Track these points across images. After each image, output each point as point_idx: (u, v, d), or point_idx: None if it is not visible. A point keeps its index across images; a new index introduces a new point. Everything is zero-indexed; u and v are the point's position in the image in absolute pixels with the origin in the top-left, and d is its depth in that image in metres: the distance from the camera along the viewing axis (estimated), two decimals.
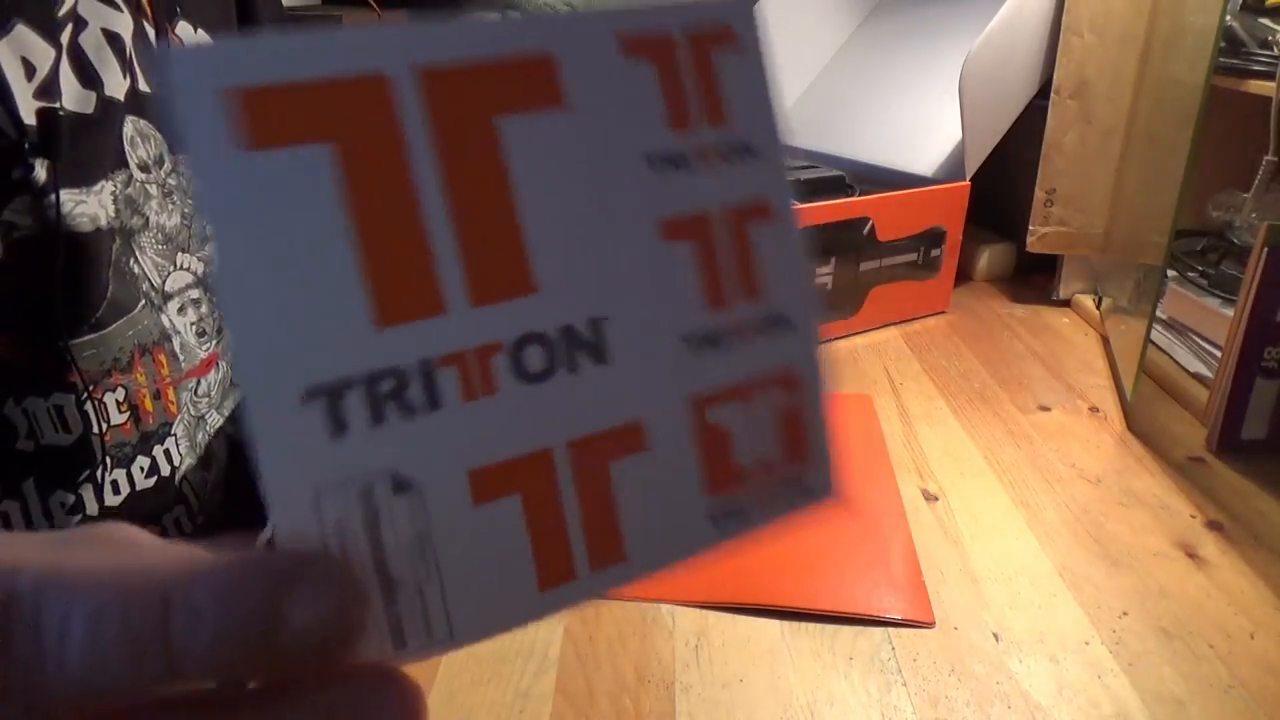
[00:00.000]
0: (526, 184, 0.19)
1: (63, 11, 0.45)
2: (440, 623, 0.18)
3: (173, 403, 0.55)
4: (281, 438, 0.17)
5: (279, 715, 0.16)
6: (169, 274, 0.54)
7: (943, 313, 0.96)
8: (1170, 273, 0.85)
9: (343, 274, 0.17)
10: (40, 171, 0.44)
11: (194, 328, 0.56)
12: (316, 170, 0.17)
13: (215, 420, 0.60)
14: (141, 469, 0.53)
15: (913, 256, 0.92)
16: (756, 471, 0.22)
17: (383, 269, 0.17)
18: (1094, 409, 0.76)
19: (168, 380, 0.54)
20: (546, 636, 0.48)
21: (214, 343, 0.58)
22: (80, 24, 0.47)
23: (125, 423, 0.51)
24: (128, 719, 0.16)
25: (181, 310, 0.55)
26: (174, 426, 0.55)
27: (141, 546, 0.19)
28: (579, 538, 0.20)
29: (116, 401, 0.50)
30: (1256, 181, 0.82)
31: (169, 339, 0.54)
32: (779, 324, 0.22)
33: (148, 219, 0.52)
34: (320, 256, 0.17)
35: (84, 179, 0.47)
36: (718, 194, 0.21)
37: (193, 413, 0.57)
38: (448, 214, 0.18)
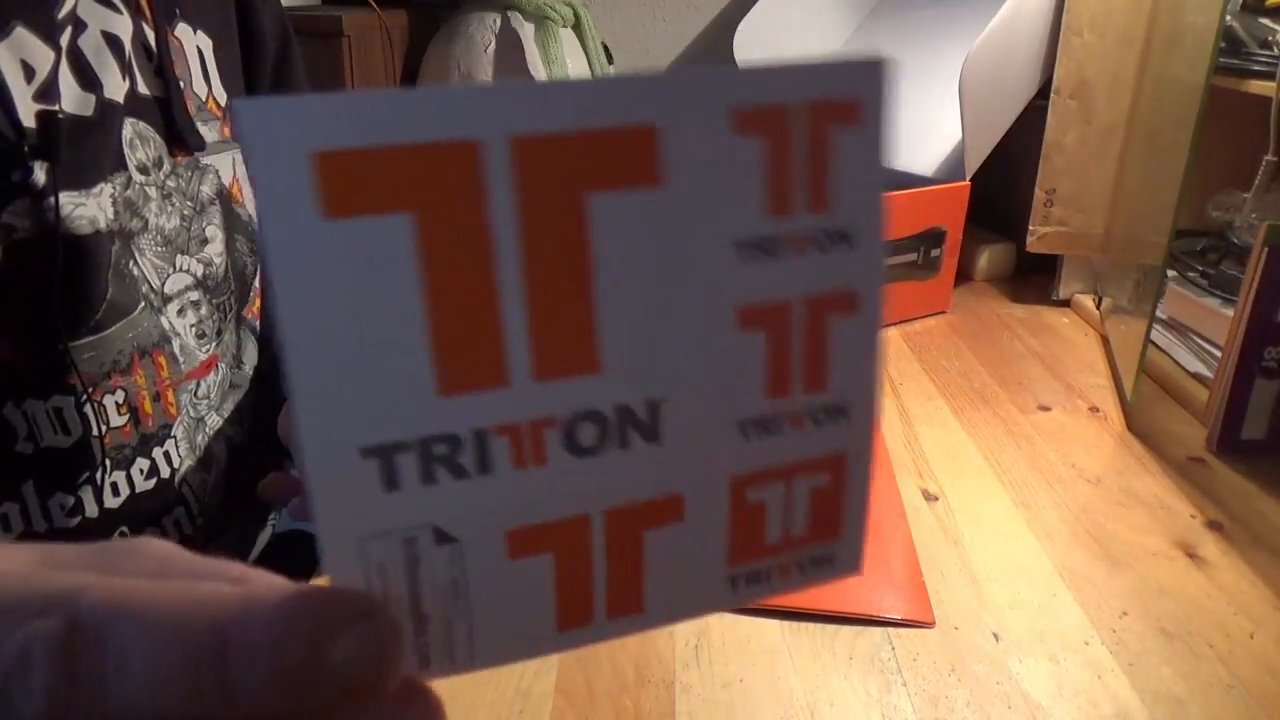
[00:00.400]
0: (607, 264, 0.18)
1: (62, 14, 0.45)
2: (464, 650, 0.19)
3: (172, 405, 0.55)
4: (337, 489, 0.17)
5: None
6: (168, 276, 0.54)
7: (943, 313, 0.96)
8: (1170, 273, 0.85)
9: (411, 343, 0.17)
10: (39, 174, 0.44)
11: (194, 330, 0.56)
12: (395, 240, 0.16)
13: (215, 422, 0.60)
14: (141, 471, 0.53)
15: (913, 256, 0.92)
16: (782, 545, 0.22)
17: (451, 340, 0.17)
18: (1094, 409, 0.76)
19: (167, 382, 0.54)
20: None
21: (214, 345, 0.58)
22: (80, 26, 0.47)
23: (125, 425, 0.51)
24: None
25: (181, 312, 0.55)
26: (174, 428, 0.55)
27: (187, 567, 0.20)
28: (602, 591, 0.20)
29: (116, 404, 0.50)
30: (1256, 181, 0.82)
31: (169, 341, 0.54)
32: (837, 413, 0.21)
33: (147, 221, 0.52)
34: (391, 324, 0.17)
35: (83, 181, 0.47)
36: (803, 283, 0.20)
37: (192, 414, 0.57)
38: (523, 289, 0.18)
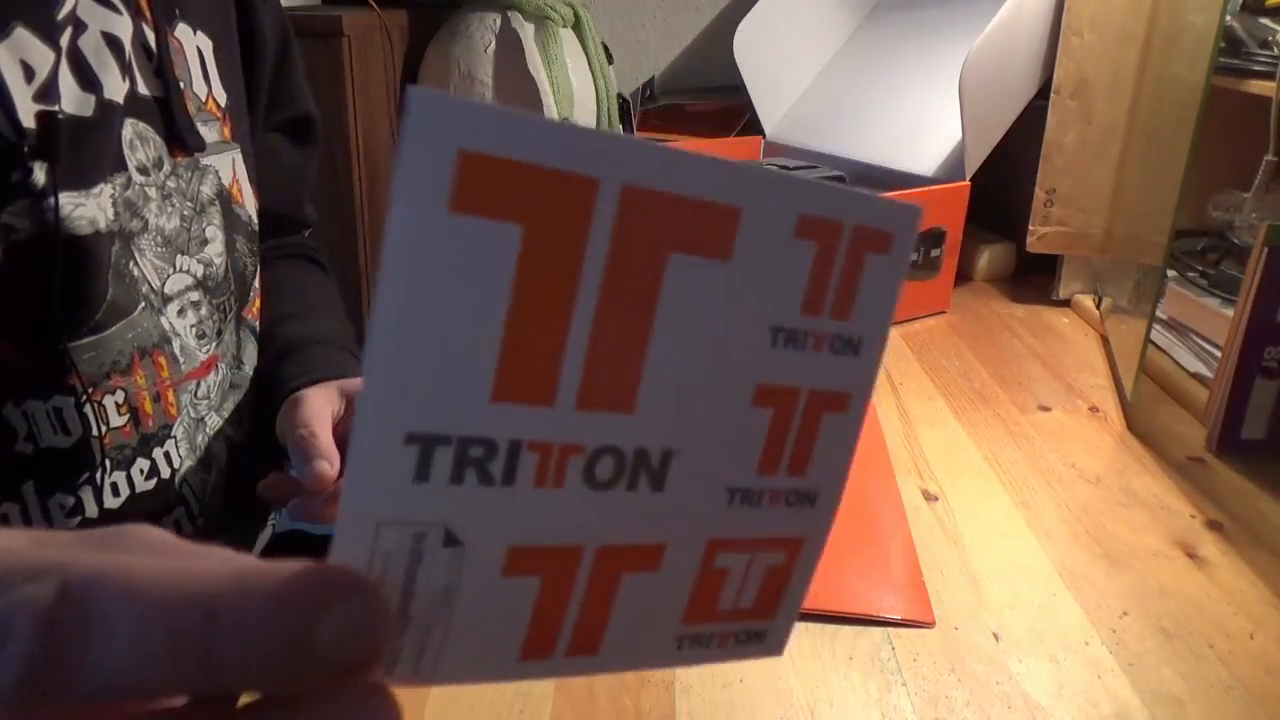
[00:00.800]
0: (669, 316, 0.20)
1: (62, 14, 0.45)
2: (430, 662, 0.20)
3: (172, 405, 0.55)
4: (373, 467, 0.18)
5: (287, 716, 0.17)
6: (168, 276, 0.54)
7: (943, 313, 0.97)
8: (1170, 273, 0.85)
9: (485, 343, 0.18)
10: (39, 174, 0.44)
11: (194, 330, 0.56)
12: (502, 246, 0.18)
13: (215, 422, 0.60)
14: (141, 471, 0.53)
15: (913, 256, 0.91)
16: (729, 613, 0.24)
17: (519, 349, 0.18)
18: (1094, 409, 0.76)
19: (167, 382, 0.54)
20: None
21: (214, 345, 0.58)
22: (80, 27, 0.47)
23: (125, 425, 0.51)
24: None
25: (181, 313, 0.55)
26: (174, 429, 0.55)
27: (180, 552, 0.19)
28: (570, 627, 0.22)
29: (116, 404, 0.50)
30: (1256, 181, 0.82)
31: (169, 341, 0.54)
32: (807, 499, 0.23)
33: (147, 221, 0.52)
34: (474, 322, 0.18)
35: (83, 182, 0.47)
36: (813, 378, 0.22)
37: (192, 415, 0.57)
38: (592, 319, 0.19)
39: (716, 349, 0.21)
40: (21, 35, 0.43)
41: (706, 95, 1.56)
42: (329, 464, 0.50)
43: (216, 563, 0.18)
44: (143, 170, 0.51)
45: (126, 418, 0.51)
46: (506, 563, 0.20)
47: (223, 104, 0.60)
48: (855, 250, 0.22)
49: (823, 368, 0.22)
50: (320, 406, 0.55)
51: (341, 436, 0.53)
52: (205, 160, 0.57)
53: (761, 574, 0.24)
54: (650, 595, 0.22)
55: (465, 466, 0.19)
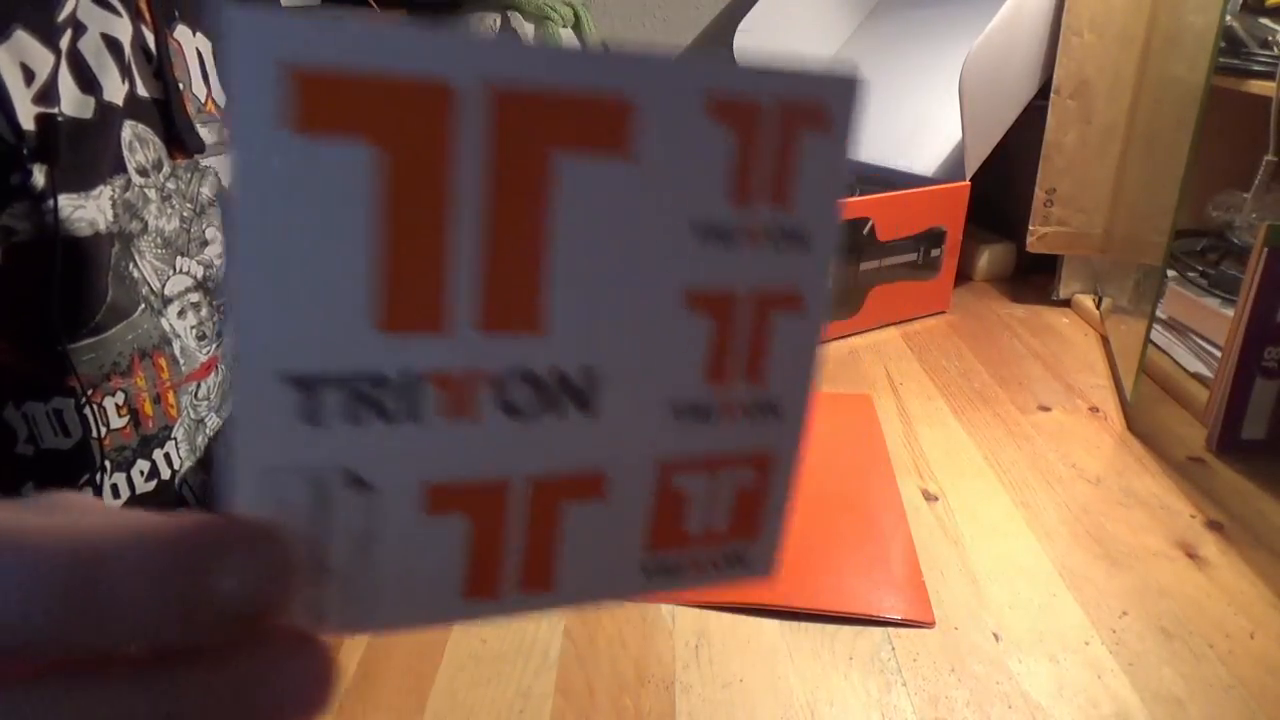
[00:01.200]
0: (566, 226, 0.18)
1: (62, 17, 0.45)
2: (363, 610, 0.19)
3: (173, 406, 0.55)
4: (255, 414, 0.17)
5: (191, 675, 0.17)
6: (168, 278, 0.54)
7: (943, 313, 0.96)
8: (1170, 273, 0.85)
9: (356, 271, 0.17)
10: (38, 177, 0.44)
11: (194, 331, 0.56)
12: (355, 165, 0.16)
13: (215, 423, 0.60)
14: (141, 473, 0.53)
15: (913, 256, 0.92)
16: (701, 538, 0.22)
17: (397, 275, 0.17)
18: (1094, 409, 0.76)
19: (168, 384, 0.54)
20: (546, 636, 0.48)
21: (214, 346, 0.58)
22: (79, 29, 0.47)
23: (125, 427, 0.51)
24: (40, 676, 0.16)
25: (181, 314, 0.55)
26: (174, 430, 0.55)
27: (92, 511, 0.19)
28: (515, 563, 0.20)
29: (116, 405, 0.51)
30: (1256, 181, 0.82)
31: (169, 343, 0.54)
32: (770, 411, 0.22)
33: (146, 223, 0.52)
34: (338, 249, 0.17)
35: (82, 184, 0.47)
36: (753, 276, 0.20)
37: (193, 416, 0.57)
38: (477, 236, 0.18)
39: (629, 254, 0.19)
40: (21, 38, 0.43)
41: None
42: None
43: (120, 518, 0.18)
44: (142, 172, 0.51)
45: (126, 419, 0.51)
46: (427, 502, 0.19)
47: (223, 105, 0.60)
48: (786, 130, 0.19)
49: (764, 265, 0.20)
50: None
51: None
52: (205, 161, 0.57)
53: (731, 494, 0.22)
54: (602, 524, 0.21)
55: (359, 405, 0.17)
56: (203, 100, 0.58)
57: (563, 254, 0.18)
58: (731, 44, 1.20)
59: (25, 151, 0.44)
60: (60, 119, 0.45)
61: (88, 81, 0.47)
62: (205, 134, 0.57)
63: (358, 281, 0.17)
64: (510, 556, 0.20)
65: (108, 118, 0.48)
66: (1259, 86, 0.78)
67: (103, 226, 0.48)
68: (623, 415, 0.20)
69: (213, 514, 0.17)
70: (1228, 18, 0.81)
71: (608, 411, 0.20)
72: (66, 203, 0.45)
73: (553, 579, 0.21)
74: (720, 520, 0.22)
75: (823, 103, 0.20)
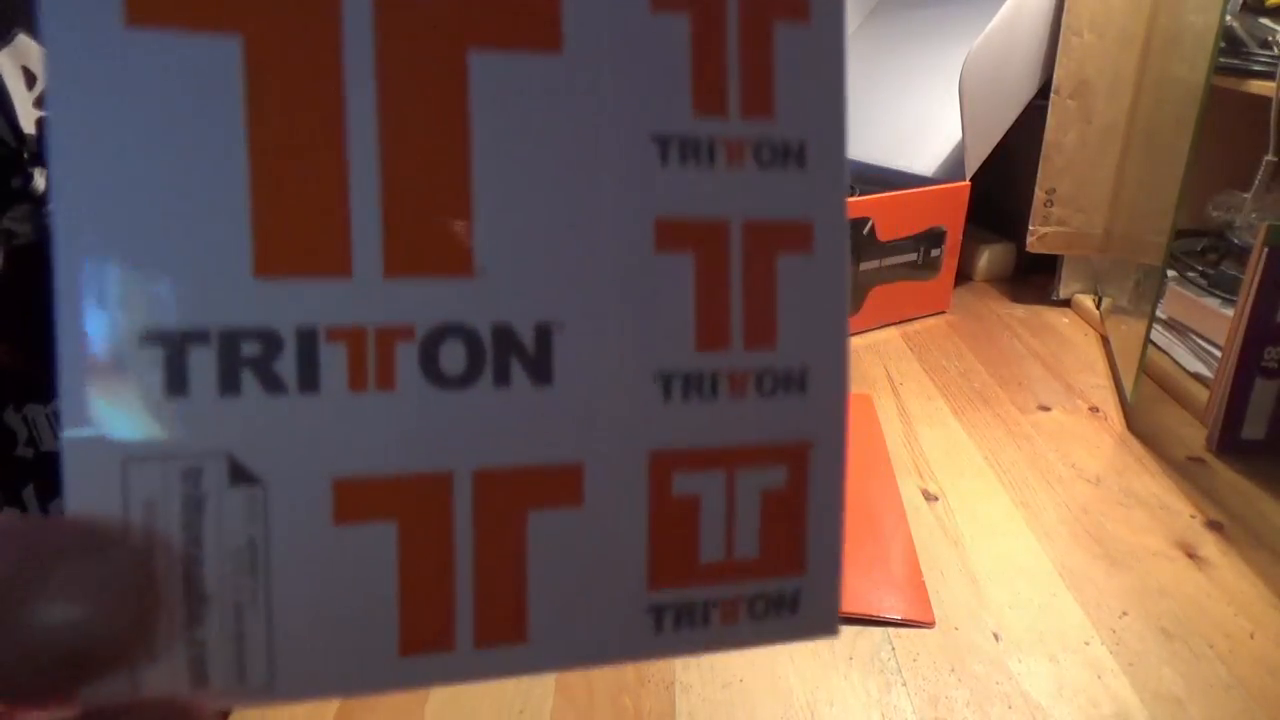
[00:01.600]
0: (490, 138, 0.14)
1: None
2: (258, 664, 0.14)
3: None
4: (98, 382, 0.13)
5: None
6: None
7: (943, 313, 0.97)
8: (1170, 273, 0.85)
9: (224, 199, 0.13)
10: (39, 180, 0.44)
11: None
12: (219, 67, 0.13)
13: None
14: None
15: (913, 256, 0.92)
16: (725, 570, 0.17)
17: (278, 205, 0.13)
18: (1094, 409, 0.76)
19: None
20: None
21: None
22: None
23: None
24: None
25: None
26: None
27: None
28: (467, 598, 0.15)
29: None
30: (1256, 181, 0.82)
31: None
32: (792, 382, 0.17)
33: None
34: (198, 173, 0.13)
35: None
36: (743, 202, 0.16)
37: None
38: (378, 156, 0.14)
39: (577, 174, 0.15)
40: (24, 42, 0.43)
41: None
42: None
43: None
44: None
45: None
46: (335, 503, 0.14)
47: None
48: (753, 19, 0.16)
49: (753, 186, 0.16)
50: None
51: None
52: None
53: (756, 501, 0.17)
54: (583, 543, 0.16)
55: (239, 370, 0.13)
56: None
57: (489, 175, 0.14)
58: None
59: (26, 155, 0.44)
60: None
61: None
62: None
63: (229, 210, 0.13)
64: (461, 588, 0.15)
65: None
66: (1259, 86, 0.78)
67: None
68: (590, 386, 0.15)
69: (39, 516, 0.13)
70: (1228, 18, 0.81)
71: (570, 381, 0.15)
72: None
73: (524, 625, 0.15)
74: (747, 542, 0.17)
75: None
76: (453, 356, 0.15)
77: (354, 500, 0.14)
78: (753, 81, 0.16)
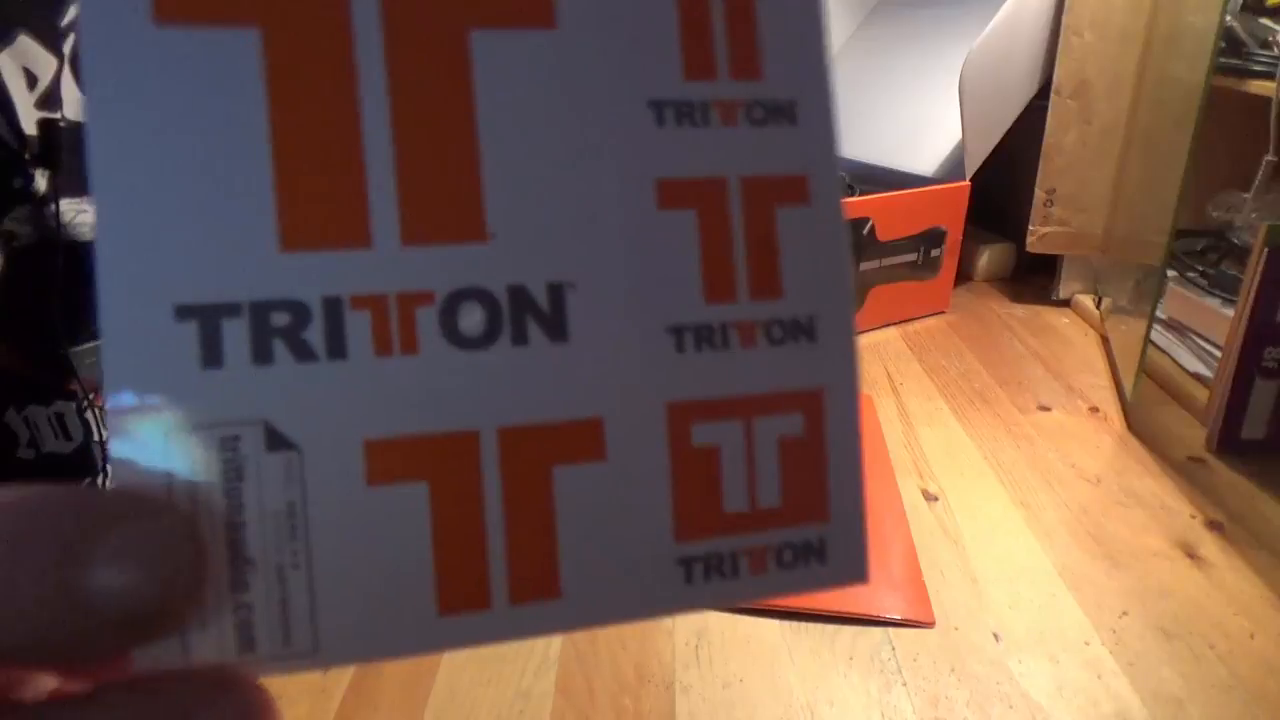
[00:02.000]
0: (494, 111, 0.16)
1: (65, 21, 0.46)
2: (302, 628, 0.15)
3: None
4: (138, 359, 0.14)
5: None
6: None
7: (943, 313, 0.97)
8: (1170, 273, 0.85)
9: (249, 180, 0.14)
10: (40, 181, 0.44)
11: None
12: (240, 56, 0.14)
13: None
14: None
15: (913, 256, 0.92)
16: (749, 518, 0.17)
17: (299, 183, 0.15)
18: (1094, 409, 0.76)
19: None
20: (546, 637, 0.48)
21: None
22: None
23: None
24: None
25: None
26: None
27: None
28: (500, 556, 0.16)
29: None
30: (1256, 181, 0.82)
31: None
32: (801, 331, 0.17)
33: None
34: (225, 156, 0.14)
35: (84, 188, 0.47)
36: (739, 159, 0.17)
37: None
38: (390, 131, 0.15)
39: (578, 140, 0.16)
40: (25, 43, 0.44)
41: None
42: None
43: None
44: None
45: None
46: (368, 465, 0.15)
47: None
48: None
49: (747, 144, 0.17)
50: None
51: None
52: None
53: (774, 450, 0.17)
54: (609, 497, 0.16)
55: (270, 340, 0.14)
56: None
57: (495, 145, 0.16)
58: None
59: (27, 156, 0.44)
60: (63, 123, 0.45)
61: None
62: None
63: (254, 190, 0.14)
64: (494, 543, 0.16)
65: None
66: (1259, 86, 0.78)
67: None
68: (605, 341, 0.16)
69: (92, 486, 0.13)
70: (1228, 18, 0.81)
71: (585, 336, 0.16)
72: (68, 207, 0.46)
73: (557, 581, 0.16)
74: (769, 490, 0.17)
75: None
76: (471, 318, 0.15)
77: (385, 461, 0.15)
78: (740, 46, 0.17)
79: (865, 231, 0.87)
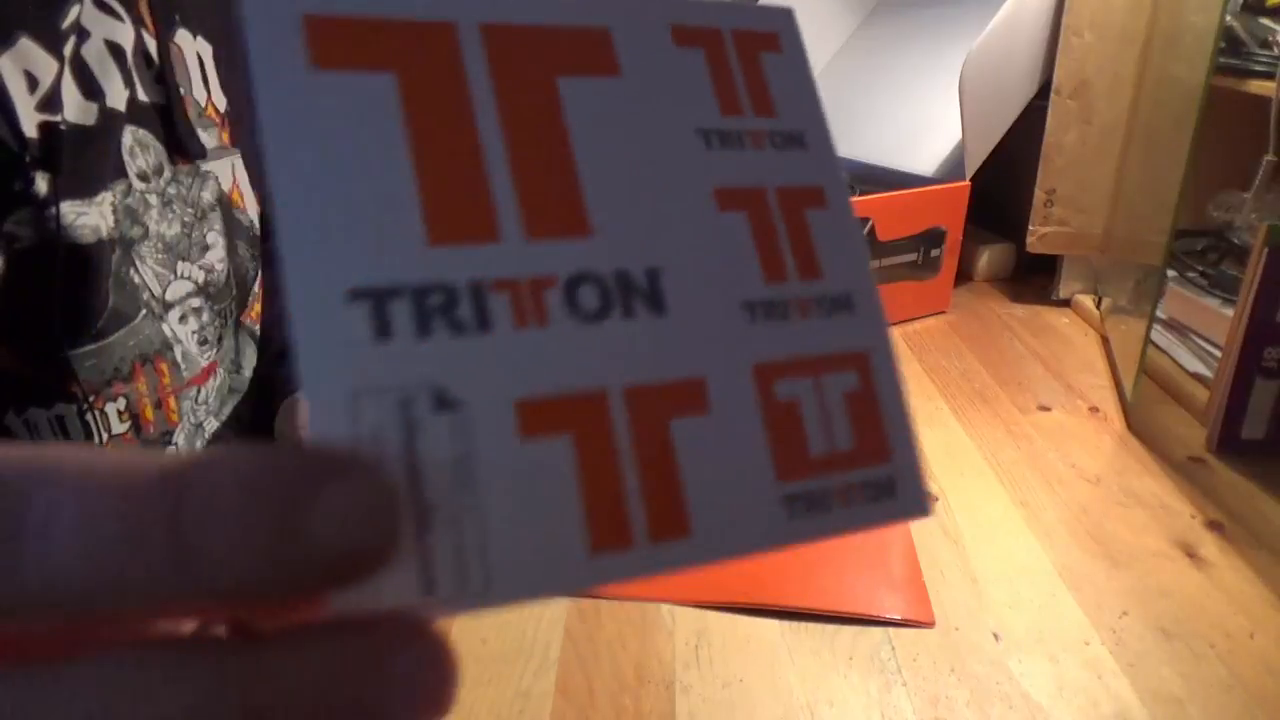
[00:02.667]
0: (583, 137, 0.20)
1: (66, 23, 0.46)
2: (477, 569, 0.16)
3: (174, 411, 0.55)
4: (324, 337, 0.16)
5: (283, 661, 0.14)
6: (170, 283, 0.54)
7: (943, 313, 0.97)
8: (1170, 273, 0.85)
9: (399, 189, 0.18)
10: (41, 184, 0.44)
11: (195, 336, 0.57)
12: (380, 93, 0.18)
13: (213, 426, 0.60)
14: None
15: (913, 256, 0.92)
16: (830, 460, 0.20)
17: (439, 192, 0.18)
18: (1094, 409, 0.76)
19: (169, 389, 0.54)
20: (546, 637, 0.48)
21: (214, 351, 0.59)
22: (83, 35, 0.47)
23: (126, 432, 0.52)
24: (105, 651, 0.14)
25: (183, 319, 0.55)
26: (175, 435, 0.55)
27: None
28: (637, 498, 0.18)
29: (118, 411, 0.51)
30: (1256, 181, 0.82)
31: (170, 348, 0.54)
32: (842, 305, 0.21)
33: (147, 229, 0.52)
34: (378, 171, 0.18)
35: (85, 190, 0.47)
36: (771, 174, 0.21)
37: (193, 420, 0.57)
38: (505, 151, 0.19)
39: (650, 158, 0.20)
40: (25, 45, 0.44)
41: None
42: None
43: (203, 452, 0.15)
44: (143, 177, 0.52)
45: (128, 425, 0.52)
46: (520, 421, 0.17)
47: (222, 109, 0.60)
48: (745, 52, 0.22)
49: (775, 163, 0.22)
50: None
51: None
52: (206, 166, 0.57)
53: (841, 402, 0.21)
54: (718, 445, 0.19)
55: (429, 316, 0.17)
56: (203, 105, 0.58)
57: (587, 162, 0.20)
58: None
59: (28, 159, 0.44)
60: (63, 126, 0.45)
61: (91, 88, 0.47)
62: (206, 138, 0.57)
63: (403, 200, 0.18)
64: (630, 487, 0.18)
65: (110, 124, 0.48)
66: (1259, 86, 0.78)
67: (104, 232, 0.48)
68: (697, 313, 0.20)
69: (304, 444, 0.15)
70: (1228, 18, 0.81)
71: (680, 310, 0.20)
72: (69, 209, 0.46)
73: (687, 520, 0.18)
74: (843, 436, 0.21)
75: (770, 30, 0.23)
76: (589, 296, 0.19)
77: (533, 417, 0.18)
78: (757, 92, 0.22)
79: (865, 231, 0.87)
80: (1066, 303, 0.99)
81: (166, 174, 0.54)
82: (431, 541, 0.16)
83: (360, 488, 0.14)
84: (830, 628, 0.49)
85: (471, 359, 0.17)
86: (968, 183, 0.93)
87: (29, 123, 0.44)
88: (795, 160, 0.22)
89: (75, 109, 0.46)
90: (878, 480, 0.21)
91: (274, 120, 0.17)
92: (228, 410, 0.62)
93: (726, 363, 0.20)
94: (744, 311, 0.20)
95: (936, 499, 0.62)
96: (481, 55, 0.19)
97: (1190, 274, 0.86)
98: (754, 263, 0.21)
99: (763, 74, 0.22)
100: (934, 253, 0.93)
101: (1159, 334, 0.83)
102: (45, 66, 0.45)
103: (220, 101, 0.60)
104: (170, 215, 0.54)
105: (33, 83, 0.44)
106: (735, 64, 0.22)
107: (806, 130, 0.22)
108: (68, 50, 0.46)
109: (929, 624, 0.50)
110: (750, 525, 0.19)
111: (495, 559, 0.17)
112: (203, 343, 0.57)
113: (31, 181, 0.44)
